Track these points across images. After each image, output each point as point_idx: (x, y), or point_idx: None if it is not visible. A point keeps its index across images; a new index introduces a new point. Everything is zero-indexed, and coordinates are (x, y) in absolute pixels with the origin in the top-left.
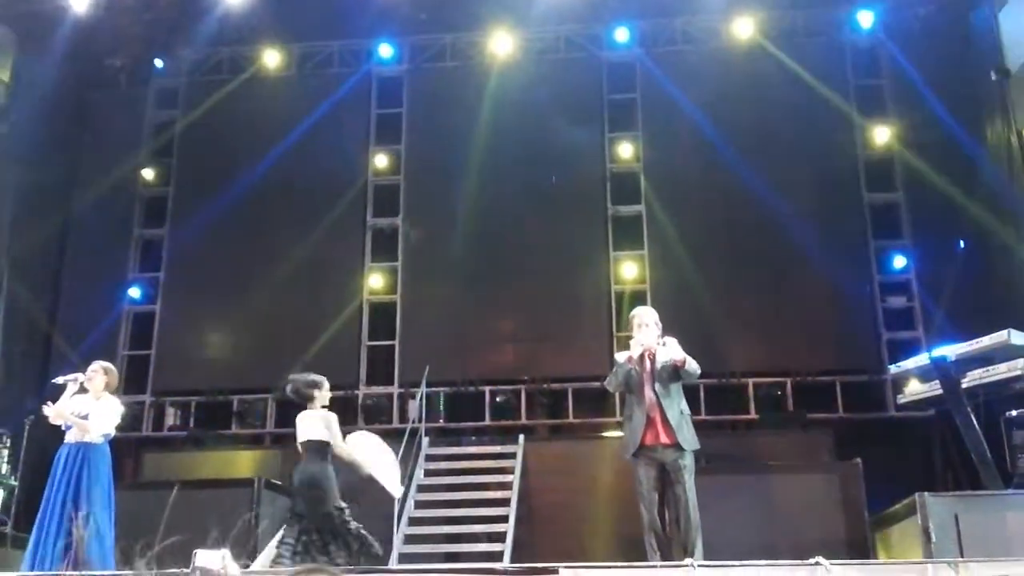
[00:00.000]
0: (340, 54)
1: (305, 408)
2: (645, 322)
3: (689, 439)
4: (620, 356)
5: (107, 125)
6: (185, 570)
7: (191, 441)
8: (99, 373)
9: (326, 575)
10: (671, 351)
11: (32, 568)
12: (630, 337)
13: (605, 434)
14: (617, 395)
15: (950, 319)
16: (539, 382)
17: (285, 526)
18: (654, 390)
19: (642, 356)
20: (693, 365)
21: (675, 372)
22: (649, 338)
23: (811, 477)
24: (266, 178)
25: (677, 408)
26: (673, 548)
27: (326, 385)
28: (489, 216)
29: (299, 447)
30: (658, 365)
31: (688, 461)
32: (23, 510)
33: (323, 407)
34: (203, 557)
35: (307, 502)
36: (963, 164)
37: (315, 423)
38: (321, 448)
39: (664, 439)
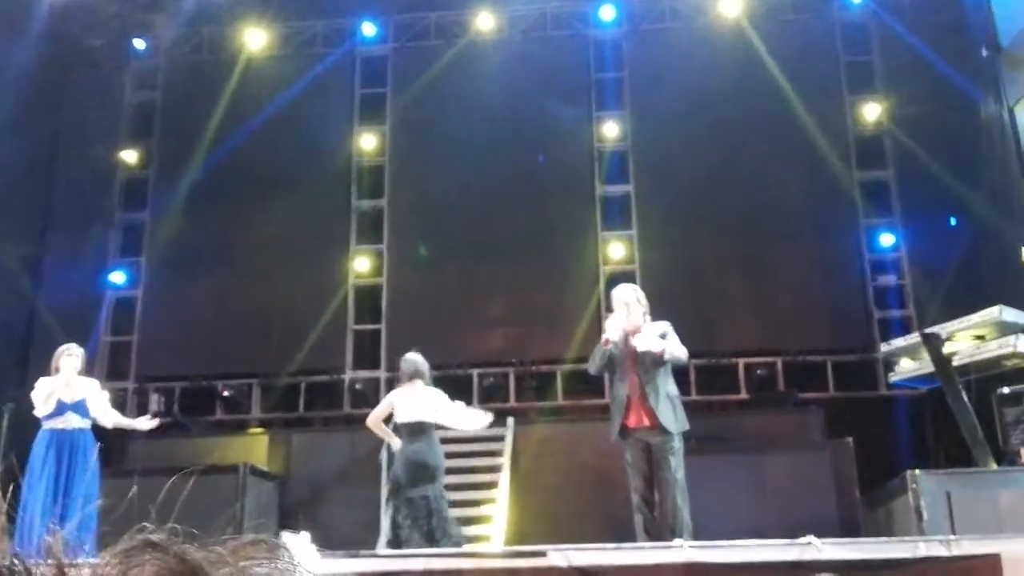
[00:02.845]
0: (323, 33)
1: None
2: (625, 301)
3: (673, 422)
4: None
5: (86, 107)
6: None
7: (176, 427)
8: (79, 356)
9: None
10: (648, 342)
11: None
12: None
13: (595, 416)
14: (606, 376)
15: (941, 297)
16: (528, 364)
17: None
18: (636, 372)
19: (627, 336)
20: (676, 353)
21: (659, 357)
22: (635, 318)
23: (802, 456)
24: (248, 160)
25: (662, 391)
26: (663, 529)
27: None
28: (475, 197)
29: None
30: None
31: (676, 443)
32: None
33: None
34: (285, 540)
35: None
36: (954, 141)
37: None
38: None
39: (646, 422)
